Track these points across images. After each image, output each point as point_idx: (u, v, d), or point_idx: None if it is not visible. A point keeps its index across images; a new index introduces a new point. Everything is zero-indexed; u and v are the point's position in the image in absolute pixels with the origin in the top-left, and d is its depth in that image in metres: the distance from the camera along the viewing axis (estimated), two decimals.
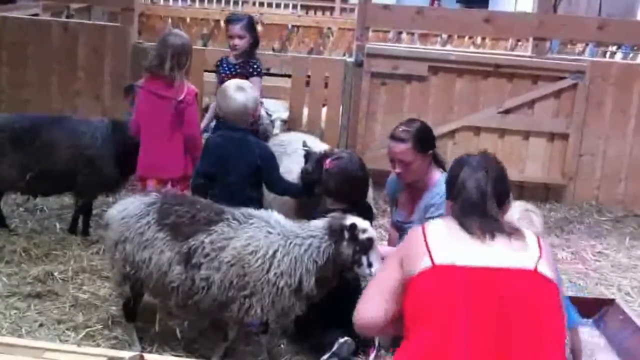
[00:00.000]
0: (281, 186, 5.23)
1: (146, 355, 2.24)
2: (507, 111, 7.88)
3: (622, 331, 4.70)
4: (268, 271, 4.24)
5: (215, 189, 5.10)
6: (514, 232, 3.04)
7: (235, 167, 5.10)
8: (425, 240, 3.01)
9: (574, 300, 5.14)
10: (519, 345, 2.80)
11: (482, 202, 3.11)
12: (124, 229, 4.47)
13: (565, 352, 2.96)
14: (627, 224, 7.80)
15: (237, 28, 6.71)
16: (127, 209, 4.54)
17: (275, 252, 4.27)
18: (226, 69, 6.75)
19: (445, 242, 2.98)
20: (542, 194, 8.16)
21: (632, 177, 8.10)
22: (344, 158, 4.92)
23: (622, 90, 7.97)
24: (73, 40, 8.23)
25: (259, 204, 4.98)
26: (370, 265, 4.25)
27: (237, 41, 6.68)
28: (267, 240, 4.31)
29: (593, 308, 5.07)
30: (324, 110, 8.16)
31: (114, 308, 5.12)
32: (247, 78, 6.38)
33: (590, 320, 5.01)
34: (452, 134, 7.97)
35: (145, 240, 4.41)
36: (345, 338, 4.57)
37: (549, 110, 7.90)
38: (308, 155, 5.25)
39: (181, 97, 5.74)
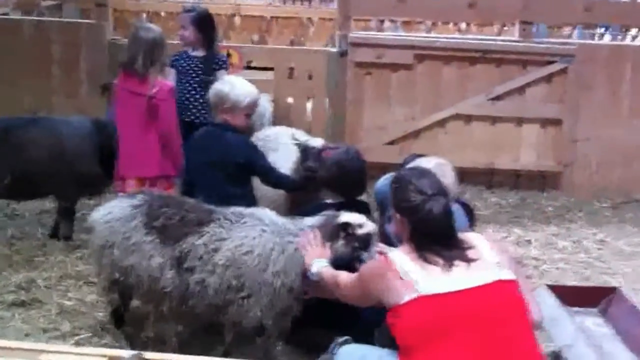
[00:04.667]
0: (275, 176, 5.05)
1: (145, 354, 2.04)
2: (498, 98, 7.72)
3: (628, 319, 4.56)
4: (265, 271, 4.08)
5: (197, 188, 4.95)
6: (470, 253, 3.33)
7: (214, 164, 4.91)
8: (396, 272, 3.27)
9: (577, 290, 5.04)
10: (503, 341, 3.21)
11: (446, 234, 3.37)
12: (110, 233, 4.26)
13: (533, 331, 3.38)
14: (626, 210, 7.65)
15: (182, 17, 6.57)
16: (111, 212, 4.34)
17: (271, 250, 4.10)
18: (183, 62, 6.48)
19: (419, 274, 3.24)
20: (538, 182, 8.00)
21: (629, 161, 7.93)
22: (342, 149, 4.76)
23: (612, 72, 7.81)
24: (46, 39, 7.98)
25: (244, 200, 4.77)
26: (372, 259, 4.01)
27: (181, 31, 6.52)
28: (262, 239, 4.13)
29: (596, 297, 4.91)
30: (309, 103, 7.95)
31: (101, 314, 4.92)
32: (210, 73, 6.30)
33: (595, 310, 4.86)
34: (442, 123, 7.80)
35: (133, 244, 4.21)
36: (345, 337, 4.40)
37: (540, 95, 7.74)
38: (305, 150, 5.08)
39: (153, 93, 5.49)
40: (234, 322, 4.21)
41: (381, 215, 4.90)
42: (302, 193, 5.12)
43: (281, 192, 5.25)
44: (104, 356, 2.25)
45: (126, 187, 5.61)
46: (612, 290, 4.96)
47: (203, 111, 6.35)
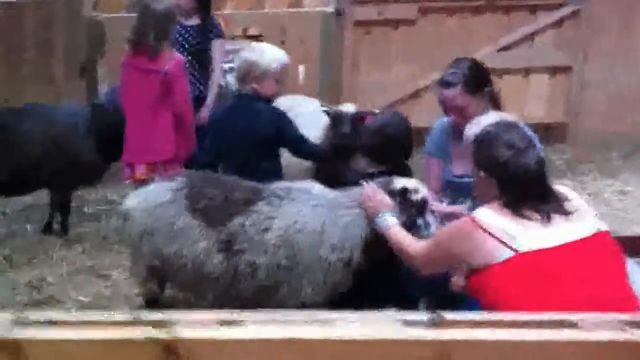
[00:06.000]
0: (307, 147, 4.77)
1: None
2: (505, 48, 7.40)
3: None
4: (319, 247, 3.91)
5: (224, 163, 4.72)
6: (565, 204, 3.18)
7: (243, 137, 4.62)
8: (487, 231, 3.09)
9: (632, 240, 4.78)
10: (606, 295, 3.05)
11: (541, 187, 3.20)
12: (150, 219, 4.02)
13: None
14: (638, 158, 7.46)
15: None
16: (148, 197, 4.09)
17: (323, 225, 3.92)
18: (177, 33, 6.00)
19: (517, 230, 3.07)
20: (545, 134, 7.67)
21: (637, 107, 7.67)
22: (386, 114, 4.44)
23: (627, 13, 7.51)
24: (18, 19, 7.36)
25: (275, 173, 4.59)
26: (427, 226, 3.93)
27: (175, 0, 6.04)
28: (314, 214, 3.95)
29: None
30: (301, 68, 7.53)
31: (125, 308, 4.71)
32: (206, 42, 6.03)
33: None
34: None
35: (177, 229, 3.97)
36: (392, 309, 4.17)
37: (550, 42, 7.44)
38: (338, 117, 4.82)
39: (167, 69, 5.12)
40: (282, 302, 4.01)
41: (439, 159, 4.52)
42: (331, 163, 4.82)
43: (308, 162, 4.97)
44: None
45: (136, 174, 5.30)
46: None
47: (199, 84, 5.99)
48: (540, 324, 1.41)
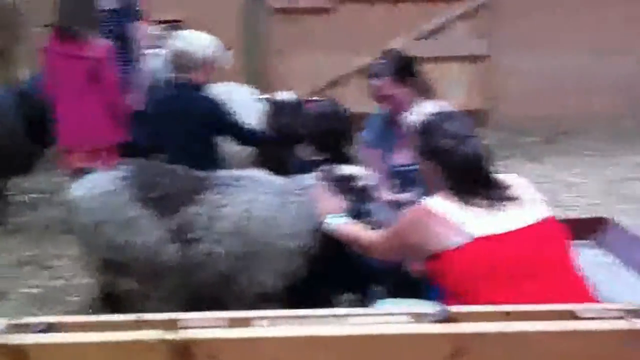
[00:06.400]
0: (247, 133, 4.69)
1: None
2: (424, 37, 7.53)
3: (628, 248, 4.51)
4: (273, 234, 3.82)
5: (162, 152, 4.60)
6: (511, 192, 3.21)
7: (182, 126, 4.52)
8: (439, 218, 3.10)
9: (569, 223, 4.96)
10: (557, 279, 3.11)
11: (485, 175, 3.22)
12: (99, 209, 3.84)
13: None
14: (559, 142, 7.70)
15: None
16: (95, 186, 3.90)
17: (276, 213, 3.85)
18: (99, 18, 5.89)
19: (466, 217, 3.09)
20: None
21: (555, 92, 7.92)
22: (328, 102, 4.48)
23: (539, 2, 7.72)
24: None
25: (215, 161, 4.54)
26: (372, 212, 3.89)
27: None
28: (266, 202, 3.86)
29: (586, 229, 4.84)
30: (229, 53, 7.44)
31: (76, 299, 4.56)
32: (125, 25, 5.82)
33: (591, 242, 4.79)
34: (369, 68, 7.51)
35: (127, 220, 3.82)
36: (347, 294, 4.27)
37: (467, 31, 7.60)
38: (277, 104, 4.80)
39: (95, 55, 5.00)
40: (241, 292, 3.93)
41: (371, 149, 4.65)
42: (273, 151, 4.80)
43: (249, 150, 4.92)
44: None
45: (74, 161, 5.11)
46: (602, 221, 4.90)
47: (124, 69, 5.83)
48: (546, 315, 1.47)
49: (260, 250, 3.81)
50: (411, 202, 3.83)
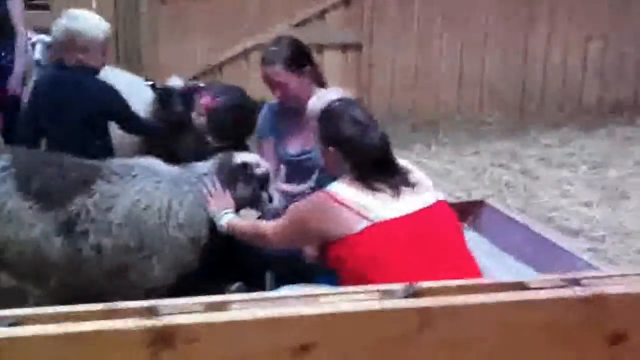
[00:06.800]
0: (140, 123, 4.58)
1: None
2: (300, 24, 7.61)
3: (501, 229, 4.74)
4: (166, 226, 3.74)
5: (48, 140, 4.42)
6: (410, 177, 3.35)
7: (70, 112, 4.35)
8: (343, 203, 3.18)
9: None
10: (453, 260, 3.28)
11: (387, 162, 3.35)
12: None
13: None
14: (424, 130, 8.03)
15: None
16: None
17: (169, 203, 3.76)
18: None
19: (371, 202, 3.20)
20: None
21: (421, 84, 8.23)
22: (228, 92, 4.44)
23: None
24: None
25: (105, 150, 4.37)
26: (270, 199, 3.95)
27: None
28: (158, 191, 3.78)
29: (462, 212, 5.08)
30: None
31: None
32: (2, 5, 5.56)
33: (468, 225, 5.02)
34: (245, 54, 7.56)
35: (7, 213, 3.64)
36: (237, 283, 4.23)
37: (341, 20, 7.76)
38: (165, 92, 4.70)
39: None
40: (130, 287, 3.80)
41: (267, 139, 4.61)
42: (163, 140, 4.72)
43: (137, 139, 4.79)
44: None
45: None
46: (478, 204, 5.12)
47: (2, 52, 5.59)
48: (500, 288, 1.59)
49: (152, 242, 3.71)
50: (306, 194, 3.94)
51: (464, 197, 6.11)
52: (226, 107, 4.38)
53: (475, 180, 6.84)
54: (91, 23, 4.44)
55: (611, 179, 6.82)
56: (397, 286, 1.58)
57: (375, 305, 1.57)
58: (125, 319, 1.47)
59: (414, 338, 1.54)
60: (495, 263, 4.16)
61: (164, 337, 1.46)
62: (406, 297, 1.58)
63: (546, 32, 8.45)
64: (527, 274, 3.89)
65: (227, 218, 3.73)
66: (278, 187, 4.14)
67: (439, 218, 3.37)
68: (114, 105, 4.44)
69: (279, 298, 1.56)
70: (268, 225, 3.56)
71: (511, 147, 7.68)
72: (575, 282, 1.63)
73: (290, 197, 4.11)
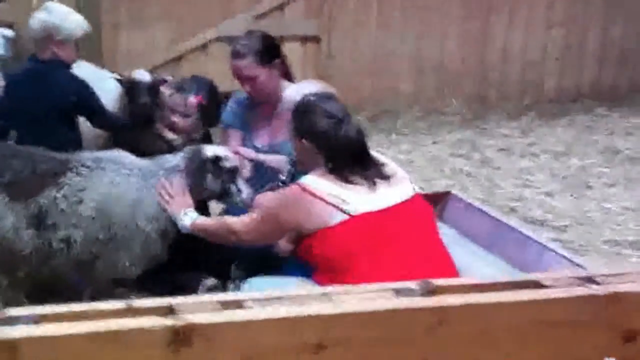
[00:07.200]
0: (109, 117, 4.54)
1: None
2: (261, 16, 7.56)
3: (468, 219, 4.75)
4: (135, 218, 3.77)
5: (17, 132, 4.36)
6: (386, 170, 3.36)
7: (40, 105, 4.35)
8: (317, 196, 3.17)
9: None
10: (429, 253, 3.33)
11: (363, 155, 3.34)
12: None
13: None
14: (382, 120, 8.05)
15: None
16: None
17: (138, 195, 3.79)
18: None
19: (346, 195, 3.19)
20: None
21: (378, 73, 8.24)
22: (203, 85, 4.44)
23: None
24: None
25: (75, 144, 4.38)
26: (239, 191, 3.93)
27: None
28: (128, 184, 3.80)
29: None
30: None
31: None
32: None
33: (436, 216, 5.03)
34: (205, 47, 7.49)
35: None
36: (210, 279, 4.21)
37: (301, 12, 7.73)
38: (132, 85, 4.62)
39: None
40: (96, 279, 3.90)
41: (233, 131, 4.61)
42: (130, 133, 4.65)
43: (102, 133, 4.75)
44: None
45: None
46: (443, 195, 5.13)
47: None
48: (516, 286, 1.60)
49: (120, 234, 3.72)
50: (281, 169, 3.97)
51: (425, 188, 6.11)
52: (210, 98, 4.37)
53: (436, 171, 6.86)
54: (70, 18, 4.45)
55: (573, 168, 6.86)
56: (413, 284, 1.57)
57: (392, 303, 1.56)
58: (146, 316, 1.45)
59: (430, 336, 1.54)
60: (466, 255, 4.14)
61: (185, 335, 1.44)
62: (422, 295, 1.57)
63: (506, 20, 8.48)
64: (500, 265, 3.94)
65: (191, 218, 3.69)
66: (252, 156, 4.16)
67: (415, 212, 3.39)
68: (86, 100, 4.43)
69: (296, 297, 1.54)
70: (238, 222, 3.52)
71: (471, 137, 7.72)
72: (591, 280, 1.64)
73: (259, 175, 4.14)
